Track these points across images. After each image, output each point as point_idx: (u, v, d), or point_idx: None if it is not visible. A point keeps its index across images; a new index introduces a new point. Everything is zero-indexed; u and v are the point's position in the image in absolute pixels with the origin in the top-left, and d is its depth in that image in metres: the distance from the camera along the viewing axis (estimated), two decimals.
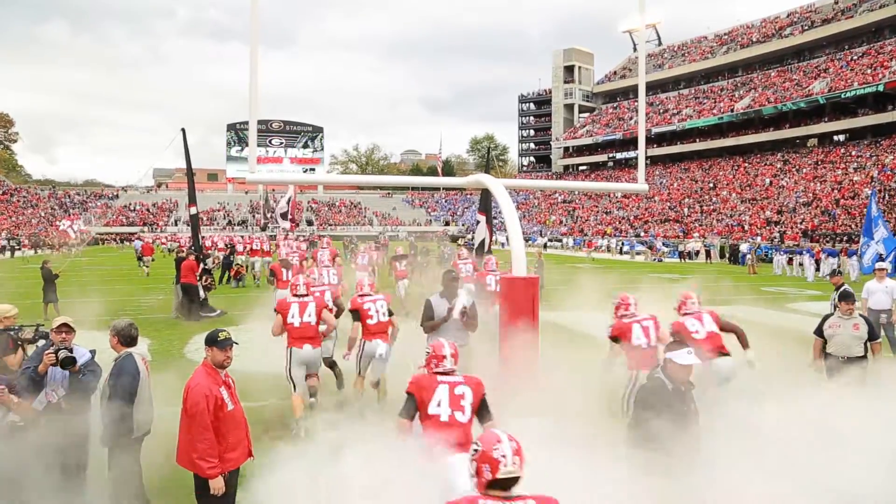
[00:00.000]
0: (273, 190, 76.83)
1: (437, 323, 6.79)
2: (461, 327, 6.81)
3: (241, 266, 23.43)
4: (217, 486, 4.12)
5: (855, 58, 53.24)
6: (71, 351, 4.69)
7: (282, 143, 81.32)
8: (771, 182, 51.34)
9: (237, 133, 78.59)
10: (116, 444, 4.70)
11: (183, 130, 15.97)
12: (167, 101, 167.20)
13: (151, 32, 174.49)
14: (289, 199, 21.88)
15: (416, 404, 4.14)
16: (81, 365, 4.75)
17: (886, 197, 39.48)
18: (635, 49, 76.61)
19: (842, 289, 9.78)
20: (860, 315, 7.25)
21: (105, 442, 4.68)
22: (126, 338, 4.90)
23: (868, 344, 7.11)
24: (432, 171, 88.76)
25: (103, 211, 68.57)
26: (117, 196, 74.82)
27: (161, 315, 15.34)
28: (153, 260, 29.33)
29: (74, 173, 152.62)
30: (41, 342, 5.19)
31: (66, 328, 4.89)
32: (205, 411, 4.09)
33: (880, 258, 16.89)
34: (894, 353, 10.30)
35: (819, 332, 7.45)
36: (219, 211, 74.13)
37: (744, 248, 35.82)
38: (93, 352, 5.00)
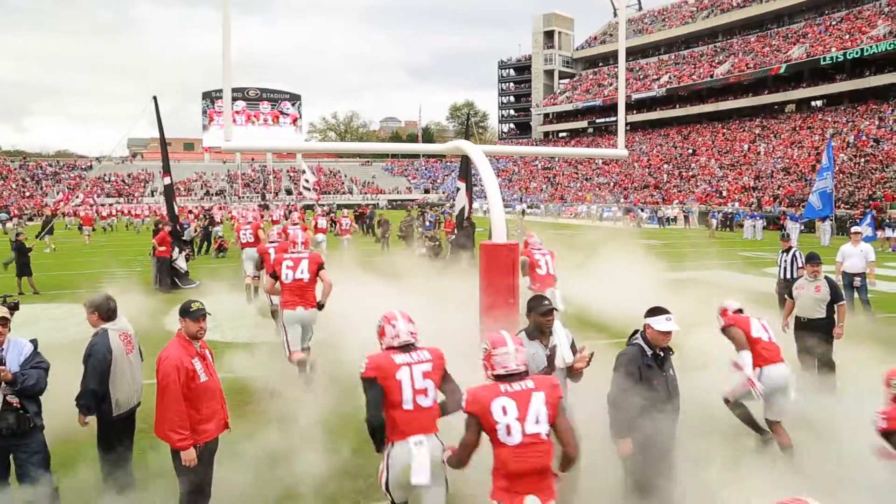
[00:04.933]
0: (252, 159, 75.92)
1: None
2: (563, 378, 4.61)
3: (224, 238, 23.14)
4: (188, 457, 4.08)
5: (834, 23, 53.25)
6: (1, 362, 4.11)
7: None
8: (749, 148, 51.64)
9: (213, 101, 76.94)
10: (99, 426, 4.60)
11: (154, 98, 15.57)
12: (141, 69, 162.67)
13: None
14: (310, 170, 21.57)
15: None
16: (23, 361, 4.21)
17: (861, 162, 39.91)
18: (615, 14, 75.97)
19: (793, 251, 9.98)
20: (825, 277, 7.23)
21: (82, 422, 4.57)
22: (105, 311, 4.72)
23: (836, 307, 7.09)
24: (412, 139, 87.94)
25: (77, 183, 67.15)
26: (91, 167, 73.25)
27: (140, 287, 15.15)
28: (94, 230, 31.87)
29: (46, 143, 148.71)
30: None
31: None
32: (176, 383, 4.02)
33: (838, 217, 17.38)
34: (867, 314, 10.51)
35: (790, 294, 7.56)
36: (196, 181, 73.01)
37: (670, 213, 42.33)
38: (34, 342, 4.40)
